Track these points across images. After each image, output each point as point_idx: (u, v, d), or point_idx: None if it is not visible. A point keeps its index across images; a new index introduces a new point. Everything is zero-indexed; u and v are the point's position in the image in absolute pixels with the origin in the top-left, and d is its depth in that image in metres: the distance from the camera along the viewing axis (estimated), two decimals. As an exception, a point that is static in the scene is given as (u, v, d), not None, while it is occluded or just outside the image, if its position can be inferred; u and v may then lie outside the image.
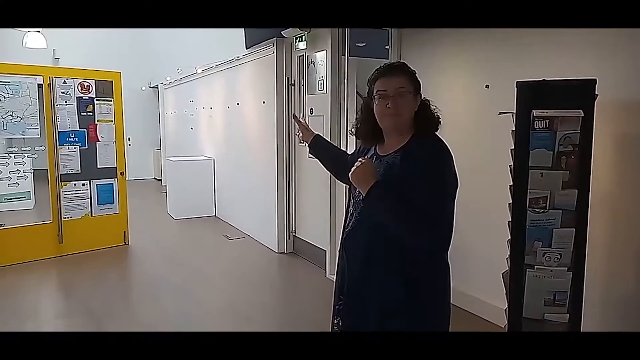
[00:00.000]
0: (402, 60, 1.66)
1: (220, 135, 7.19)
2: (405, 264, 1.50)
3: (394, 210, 1.46)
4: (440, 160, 1.48)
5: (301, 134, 2.15)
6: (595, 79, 2.28)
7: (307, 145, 2.11)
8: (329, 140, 2.10)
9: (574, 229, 2.33)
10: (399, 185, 1.46)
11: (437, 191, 1.43)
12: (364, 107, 1.67)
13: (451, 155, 1.51)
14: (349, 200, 1.70)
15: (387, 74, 1.56)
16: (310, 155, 2.14)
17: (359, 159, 1.55)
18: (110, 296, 4.10)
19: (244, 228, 6.28)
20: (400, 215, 1.45)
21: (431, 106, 1.61)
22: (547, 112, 2.27)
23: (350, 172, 1.53)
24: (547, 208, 2.32)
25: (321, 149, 2.09)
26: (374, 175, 1.49)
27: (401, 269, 1.50)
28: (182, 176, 7.28)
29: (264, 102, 5.45)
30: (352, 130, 1.75)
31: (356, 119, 1.73)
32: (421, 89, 1.60)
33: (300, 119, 2.17)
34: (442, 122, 1.61)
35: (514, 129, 2.40)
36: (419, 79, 1.61)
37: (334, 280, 1.77)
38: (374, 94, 1.57)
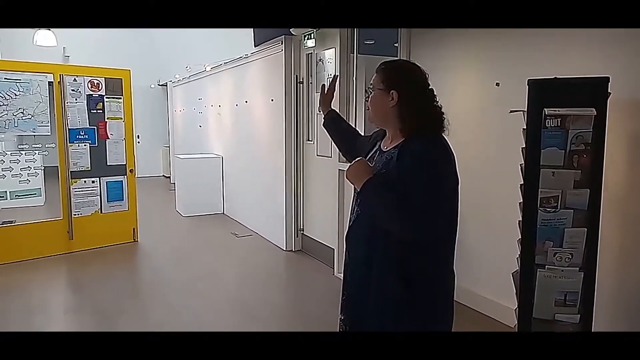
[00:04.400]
0: (403, 60, 1.67)
1: (228, 133, 7.20)
2: (405, 261, 1.50)
3: (383, 202, 1.48)
4: (434, 156, 1.48)
5: (322, 100, 2.09)
6: (608, 77, 2.25)
7: (323, 115, 2.14)
8: (343, 118, 2.15)
9: (586, 229, 2.31)
10: (395, 179, 1.47)
11: (430, 185, 1.43)
12: None
13: (447, 152, 1.50)
14: (354, 195, 1.71)
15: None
16: (323, 127, 2.16)
17: (357, 158, 1.58)
18: (119, 293, 4.12)
19: (252, 226, 6.29)
20: (390, 208, 1.46)
21: (426, 108, 1.55)
22: (559, 110, 2.25)
23: (346, 170, 1.58)
24: (559, 207, 2.30)
25: (334, 126, 2.10)
26: (367, 172, 1.52)
27: (400, 265, 1.50)
28: (191, 174, 7.31)
29: (272, 100, 5.45)
30: None
31: None
32: (398, 88, 1.53)
33: (329, 88, 2.08)
34: (444, 129, 1.54)
35: (525, 127, 2.37)
36: (395, 77, 1.57)
37: (343, 274, 1.79)
38: None
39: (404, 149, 1.51)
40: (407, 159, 1.47)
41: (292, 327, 3.43)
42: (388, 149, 1.59)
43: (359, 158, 1.60)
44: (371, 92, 1.62)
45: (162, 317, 3.60)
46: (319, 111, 2.22)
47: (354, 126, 2.38)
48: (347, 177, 1.58)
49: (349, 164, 1.59)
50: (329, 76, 4.48)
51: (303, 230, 5.29)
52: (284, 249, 5.33)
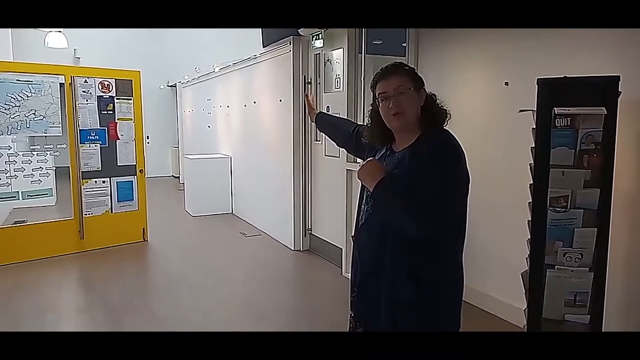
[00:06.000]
0: (399, 61, 1.65)
1: (237, 134, 7.24)
2: (415, 260, 1.51)
3: (398, 202, 1.48)
4: (447, 155, 1.49)
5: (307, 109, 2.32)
6: (619, 76, 2.23)
7: (312, 121, 2.29)
8: (333, 115, 2.27)
9: (596, 229, 2.29)
10: (407, 179, 1.48)
11: (441, 184, 1.44)
12: (372, 112, 1.70)
13: (460, 151, 1.51)
14: (362, 194, 1.73)
15: (384, 76, 1.60)
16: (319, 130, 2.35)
17: (368, 159, 1.61)
18: (129, 292, 4.17)
19: (261, 225, 6.32)
20: (404, 206, 1.46)
21: (437, 100, 1.62)
22: (568, 110, 2.24)
23: (358, 170, 1.59)
24: (568, 207, 2.29)
25: (324, 125, 2.25)
26: (380, 172, 1.53)
27: (411, 264, 1.52)
28: (200, 174, 7.36)
29: (280, 101, 5.47)
30: (365, 137, 1.78)
31: (367, 125, 1.77)
32: (424, 84, 1.60)
33: (310, 97, 2.35)
34: (450, 116, 1.60)
35: (534, 126, 2.36)
36: (419, 75, 1.62)
37: (350, 273, 1.80)
38: (377, 98, 1.62)
39: (417, 149, 1.53)
40: (420, 159, 1.49)
41: (300, 326, 3.45)
42: (400, 149, 1.60)
43: (370, 158, 1.63)
44: (400, 94, 1.54)
45: (172, 316, 3.63)
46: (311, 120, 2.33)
47: (350, 120, 2.46)
48: (358, 177, 1.59)
49: (361, 164, 1.60)
50: (337, 77, 4.49)
51: (311, 230, 5.30)
52: (292, 248, 5.35)
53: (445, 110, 1.61)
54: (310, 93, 2.06)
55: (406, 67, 1.62)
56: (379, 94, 1.60)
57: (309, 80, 5.01)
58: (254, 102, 6.34)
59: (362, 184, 1.69)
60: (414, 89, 1.56)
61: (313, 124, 5.03)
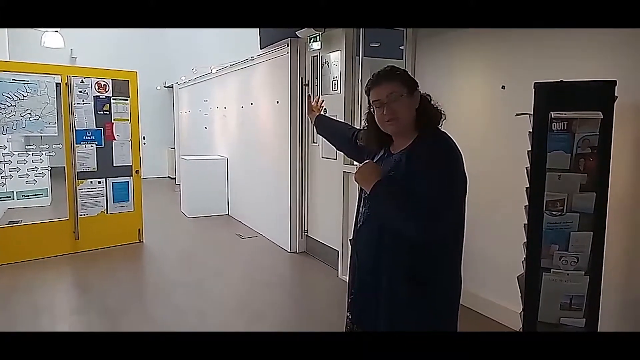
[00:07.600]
0: (391, 65, 1.65)
1: (233, 135, 7.23)
2: (414, 261, 1.51)
3: (395, 204, 1.48)
4: (444, 157, 1.49)
5: (308, 109, 2.35)
6: (615, 81, 2.25)
7: (312, 124, 2.34)
8: (332, 118, 2.27)
9: (592, 233, 2.30)
10: (404, 181, 1.48)
11: (438, 185, 1.43)
12: (368, 116, 1.71)
13: (457, 152, 1.51)
14: (360, 196, 1.72)
15: (376, 83, 1.60)
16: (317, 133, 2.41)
17: (365, 161, 1.61)
18: (124, 293, 4.14)
19: (257, 227, 6.30)
20: (402, 209, 1.46)
21: (431, 101, 1.62)
22: (565, 114, 2.25)
23: (354, 173, 1.59)
24: (565, 211, 2.30)
25: (324, 129, 2.27)
26: (377, 174, 1.53)
27: (409, 266, 1.51)
28: (196, 175, 7.35)
29: (277, 102, 5.47)
30: (362, 140, 1.79)
31: (363, 128, 1.78)
32: (418, 85, 1.60)
33: (313, 102, 2.35)
34: (445, 116, 1.60)
35: (531, 130, 2.37)
36: (412, 77, 1.62)
37: (348, 275, 1.80)
38: (371, 105, 1.62)
39: (413, 151, 1.53)
40: (417, 161, 1.48)
41: (296, 327, 3.44)
42: (397, 151, 1.60)
43: (367, 161, 1.62)
44: (393, 101, 1.54)
45: (167, 317, 3.62)
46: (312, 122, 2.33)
47: (349, 124, 2.49)
48: (355, 180, 1.59)
49: (358, 166, 1.60)
50: (335, 79, 4.49)
51: (307, 232, 5.30)
52: (288, 250, 5.34)
53: (440, 110, 1.61)
54: (315, 97, 2.13)
55: (397, 72, 1.61)
56: (372, 101, 1.60)
57: (306, 82, 5.02)
58: (251, 104, 6.33)
59: (360, 187, 1.69)
60: (407, 94, 1.56)
61: (311, 126, 5.06)
